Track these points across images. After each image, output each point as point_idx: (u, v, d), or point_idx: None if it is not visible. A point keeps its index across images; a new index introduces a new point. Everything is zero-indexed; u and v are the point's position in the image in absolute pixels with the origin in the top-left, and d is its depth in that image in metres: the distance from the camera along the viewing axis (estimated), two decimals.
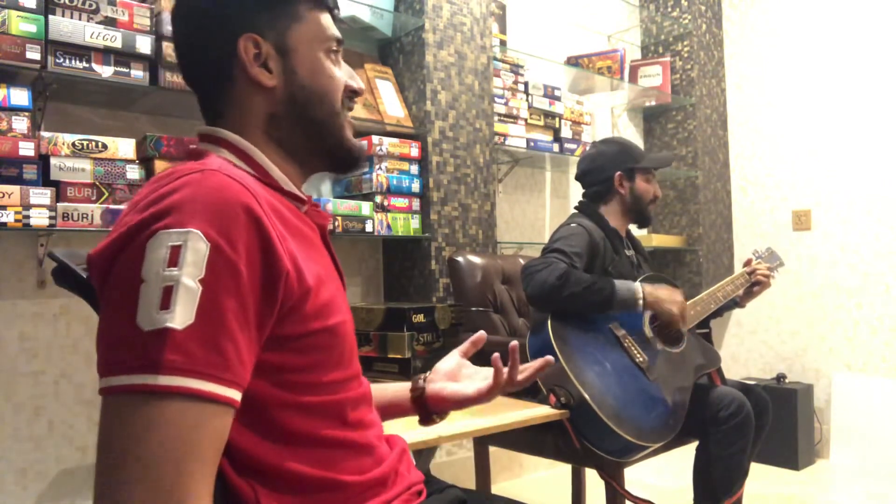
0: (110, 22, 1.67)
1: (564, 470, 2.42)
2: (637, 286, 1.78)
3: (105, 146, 1.67)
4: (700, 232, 3.30)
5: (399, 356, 1.74)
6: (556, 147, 2.76)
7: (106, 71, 1.67)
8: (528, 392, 1.71)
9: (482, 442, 2.08)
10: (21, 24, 1.54)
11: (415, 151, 2.28)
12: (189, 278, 0.62)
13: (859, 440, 2.97)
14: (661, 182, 3.05)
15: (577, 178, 2.14)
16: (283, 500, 0.73)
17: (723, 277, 2.27)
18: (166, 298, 0.61)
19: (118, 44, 1.67)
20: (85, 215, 1.63)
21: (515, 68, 2.65)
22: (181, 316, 0.61)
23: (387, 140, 2.22)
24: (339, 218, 2.09)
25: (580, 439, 1.69)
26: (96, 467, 0.61)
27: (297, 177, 0.86)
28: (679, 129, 3.41)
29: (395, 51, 2.43)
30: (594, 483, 2.03)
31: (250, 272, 0.66)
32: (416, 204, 2.29)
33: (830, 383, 3.12)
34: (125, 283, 0.63)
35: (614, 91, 3.27)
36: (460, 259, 2.16)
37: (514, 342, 0.98)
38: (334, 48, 0.86)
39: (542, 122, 2.71)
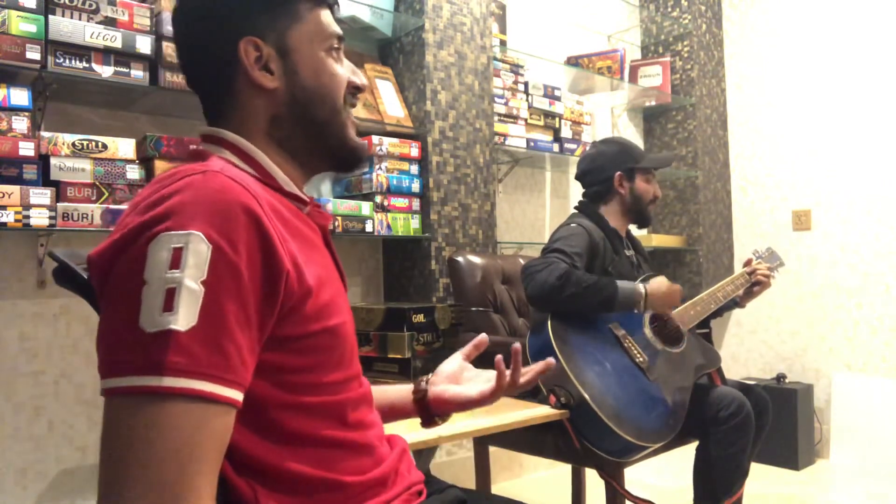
0: (110, 22, 1.67)
1: (564, 470, 2.42)
2: (640, 286, 1.78)
3: (105, 146, 1.67)
4: (700, 232, 3.30)
5: (399, 356, 1.74)
6: (556, 147, 2.76)
7: (106, 71, 1.67)
8: (529, 392, 1.71)
9: (482, 442, 2.08)
10: (21, 24, 1.54)
11: (415, 151, 2.28)
12: (191, 280, 0.62)
13: (859, 440, 2.97)
14: (661, 182, 3.05)
15: (577, 178, 2.14)
16: (283, 500, 0.73)
17: (723, 277, 2.27)
18: (169, 300, 0.61)
19: (118, 44, 1.67)
20: (85, 215, 1.63)
21: (515, 68, 2.65)
22: (184, 318, 0.61)
23: (387, 140, 2.22)
24: (339, 218, 2.09)
25: (580, 439, 1.69)
26: (100, 468, 0.61)
27: (299, 177, 0.86)
28: (679, 129, 3.41)
29: (395, 51, 2.43)
30: (594, 483, 2.03)
31: (251, 273, 0.66)
32: (416, 204, 2.29)
33: (830, 383, 3.12)
34: (127, 284, 0.63)
35: (614, 91, 3.27)
36: (460, 259, 2.16)
37: (517, 344, 0.98)
38: (335, 45, 0.86)
39: (542, 122, 2.71)
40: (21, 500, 1.76)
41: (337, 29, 0.87)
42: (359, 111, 2.18)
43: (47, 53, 1.59)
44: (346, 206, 2.11)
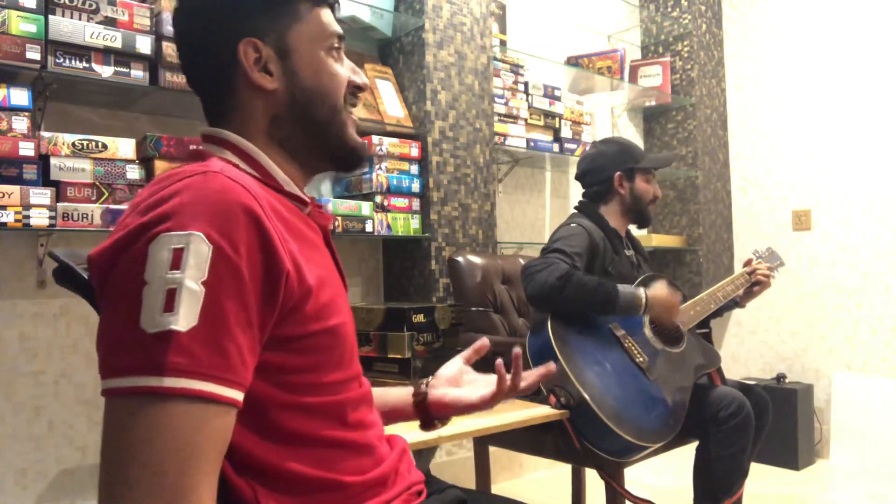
0: (110, 22, 1.67)
1: (564, 470, 2.42)
2: (640, 291, 1.78)
3: (105, 146, 1.67)
4: (700, 232, 3.30)
5: (399, 356, 1.74)
6: (556, 147, 2.76)
7: (106, 71, 1.67)
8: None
9: (482, 442, 2.08)
10: (21, 24, 1.54)
11: (415, 151, 2.28)
12: (192, 281, 0.62)
13: (859, 440, 2.97)
14: (661, 182, 3.05)
15: (577, 177, 2.14)
16: (283, 500, 0.73)
17: (723, 277, 2.27)
18: (170, 301, 0.61)
19: (118, 44, 1.67)
20: (85, 215, 1.63)
21: (515, 68, 2.65)
22: (185, 318, 0.61)
23: (387, 140, 2.22)
24: (339, 218, 2.09)
25: (580, 439, 1.69)
26: (100, 468, 0.61)
27: (300, 178, 0.86)
28: (679, 129, 3.41)
29: (395, 51, 2.43)
30: (594, 483, 2.03)
31: (251, 273, 0.66)
32: (416, 204, 2.29)
33: (830, 383, 3.12)
34: (128, 285, 0.63)
35: (614, 91, 3.27)
36: (460, 259, 2.16)
37: (517, 349, 0.98)
38: (336, 45, 0.86)
39: (542, 122, 2.71)
40: (21, 500, 1.76)
41: (337, 28, 0.86)
42: (359, 111, 2.18)
43: (47, 53, 1.59)
44: (346, 206, 2.11)
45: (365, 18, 2.28)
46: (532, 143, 2.67)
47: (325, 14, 0.86)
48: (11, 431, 1.76)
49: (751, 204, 3.48)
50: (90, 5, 1.65)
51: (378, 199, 2.19)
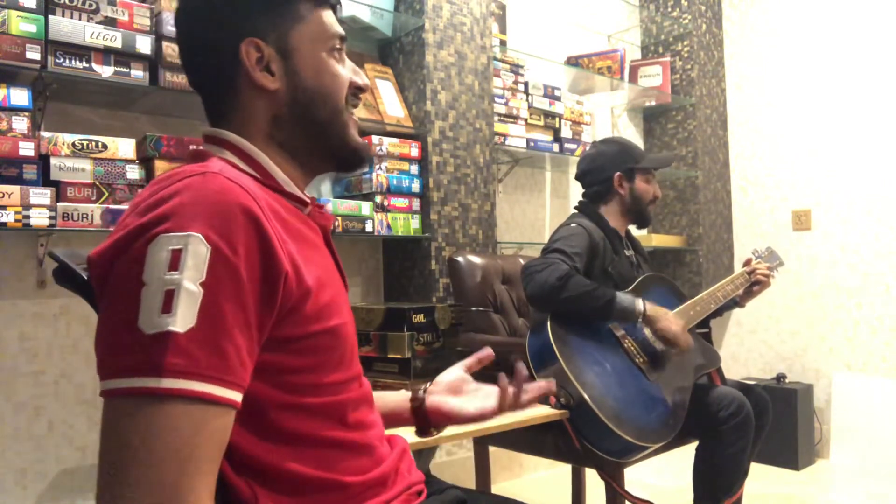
0: (110, 22, 1.67)
1: (564, 470, 2.42)
2: (638, 300, 1.77)
3: (105, 146, 1.67)
4: (700, 232, 3.30)
5: (399, 356, 1.74)
6: (556, 147, 2.76)
7: (106, 71, 1.67)
8: None
9: (482, 442, 2.08)
10: (21, 24, 1.54)
11: (415, 151, 2.28)
12: (190, 282, 0.62)
13: (859, 440, 2.97)
14: (661, 182, 3.05)
15: (577, 177, 2.14)
16: (282, 501, 0.73)
17: (723, 277, 2.27)
18: (168, 302, 0.62)
19: (118, 44, 1.67)
20: (85, 215, 1.63)
21: (515, 68, 2.65)
22: (183, 319, 0.61)
23: (387, 140, 2.22)
24: (339, 218, 2.09)
25: (580, 439, 1.69)
26: (98, 469, 0.61)
27: (301, 178, 0.86)
28: (679, 129, 3.41)
29: (395, 51, 2.43)
30: (594, 483, 2.03)
31: (250, 274, 0.66)
32: (416, 204, 2.29)
33: (830, 383, 3.12)
34: (126, 285, 0.64)
35: (614, 91, 3.27)
36: (460, 259, 2.16)
37: (521, 364, 0.98)
38: (337, 46, 0.86)
39: (542, 122, 2.71)
40: (21, 500, 1.76)
41: (339, 29, 0.87)
42: (359, 111, 2.18)
43: (47, 53, 1.59)
44: (346, 206, 2.11)
45: (365, 18, 2.28)
46: (532, 143, 2.67)
47: (327, 15, 0.86)
48: (11, 431, 1.76)
49: (751, 204, 3.48)
50: (90, 5, 1.65)
51: (378, 199, 2.19)
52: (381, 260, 2.48)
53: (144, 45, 1.71)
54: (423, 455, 1.54)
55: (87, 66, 1.64)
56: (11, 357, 1.77)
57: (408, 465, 0.91)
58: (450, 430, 1.39)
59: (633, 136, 3.50)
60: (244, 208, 0.67)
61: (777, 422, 2.55)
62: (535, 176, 3.04)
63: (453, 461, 2.61)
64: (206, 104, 0.85)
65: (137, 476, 0.59)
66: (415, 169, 2.30)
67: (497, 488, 2.60)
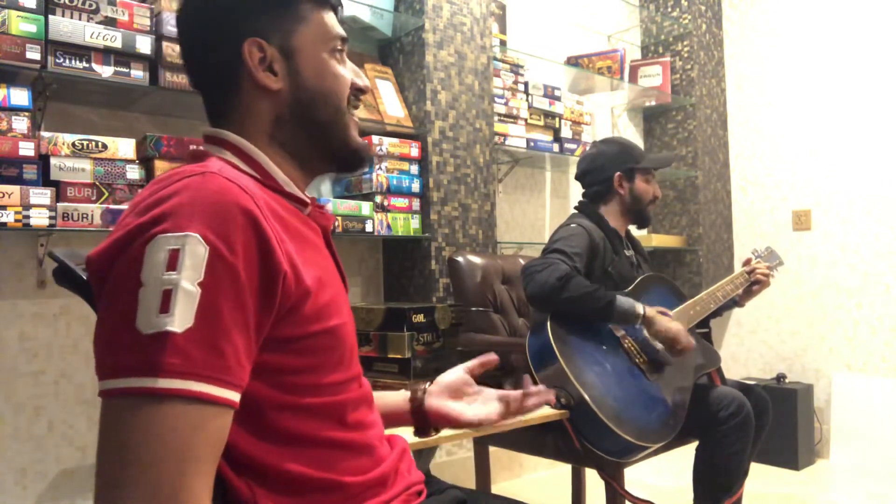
0: (110, 22, 1.67)
1: (564, 470, 2.42)
2: (639, 307, 1.76)
3: (105, 146, 1.67)
4: (700, 232, 3.30)
5: (399, 356, 1.74)
6: (556, 147, 2.76)
7: (106, 71, 1.67)
8: None
9: (482, 442, 2.08)
10: (21, 24, 1.54)
11: (415, 151, 2.28)
12: (188, 282, 0.62)
13: (859, 440, 2.97)
14: (661, 182, 3.05)
15: (577, 177, 2.14)
16: (281, 501, 0.73)
17: (723, 277, 2.27)
18: (166, 302, 0.62)
19: (118, 44, 1.67)
20: (85, 215, 1.63)
21: (515, 68, 2.65)
22: (180, 319, 0.61)
23: (387, 140, 2.22)
24: (339, 218, 2.09)
25: (580, 439, 1.69)
26: (96, 468, 0.61)
27: (301, 179, 0.86)
28: (679, 129, 3.41)
29: (395, 51, 2.43)
30: (594, 483, 2.03)
31: (248, 274, 0.66)
32: (416, 204, 2.29)
33: (830, 383, 3.12)
34: (124, 285, 0.64)
35: (614, 91, 3.27)
36: (460, 259, 2.16)
37: (526, 375, 1.00)
38: (339, 47, 0.86)
39: (542, 122, 2.71)
40: (21, 500, 1.76)
41: (341, 31, 0.87)
42: (359, 111, 2.17)
43: (47, 53, 1.59)
44: (346, 206, 2.11)
45: (365, 18, 2.28)
46: (532, 143, 2.67)
47: (329, 17, 0.86)
48: (11, 431, 1.76)
49: (751, 204, 3.48)
50: (90, 5, 1.65)
51: (378, 199, 2.19)
52: (381, 260, 2.48)
53: (144, 45, 1.71)
54: (423, 455, 1.54)
55: (87, 66, 1.64)
56: (11, 357, 1.77)
57: (408, 465, 0.91)
58: (450, 430, 1.39)
59: (633, 136, 3.50)
60: (243, 208, 0.67)
61: (777, 422, 2.55)
62: (535, 176, 3.04)
63: (453, 461, 2.61)
64: (208, 104, 0.86)
65: (135, 476, 0.59)
66: (415, 169, 2.30)
67: (497, 488, 2.60)
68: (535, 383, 1.71)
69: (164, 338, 0.61)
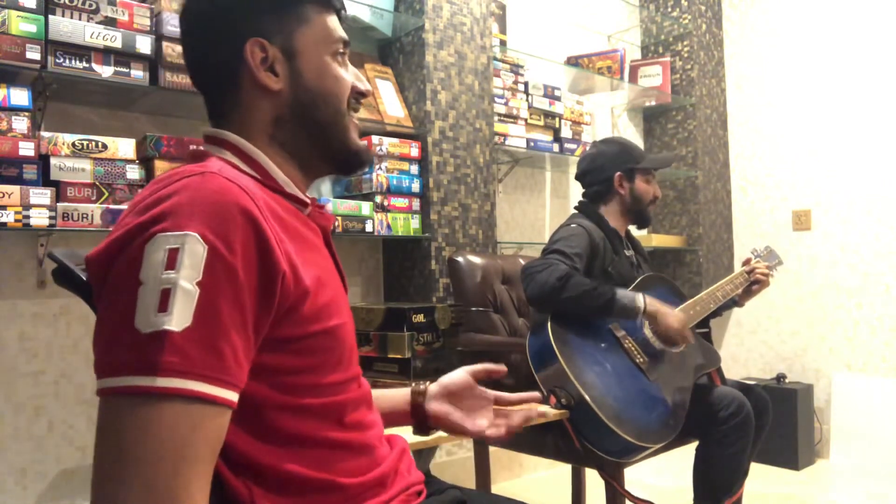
0: (110, 22, 1.67)
1: (564, 470, 2.42)
2: (638, 296, 1.77)
3: (105, 146, 1.67)
4: (700, 232, 3.30)
5: (399, 356, 1.74)
6: (556, 147, 2.76)
7: (106, 71, 1.67)
8: None
9: (482, 442, 2.08)
10: (21, 24, 1.54)
11: (415, 151, 2.28)
12: (186, 281, 0.62)
13: (859, 440, 2.97)
14: (661, 182, 3.05)
15: (577, 177, 2.14)
16: (280, 501, 0.73)
17: (722, 277, 2.27)
18: (164, 301, 0.62)
19: (118, 44, 1.67)
20: (85, 215, 1.63)
21: (515, 68, 2.65)
22: (179, 318, 0.61)
23: (387, 140, 2.22)
24: (339, 218, 2.09)
25: (580, 439, 1.69)
26: (93, 467, 0.61)
27: (301, 179, 0.86)
28: (679, 129, 3.40)
29: (395, 51, 2.43)
30: (594, 483, 2.03)
31: (247, 274, 0.66)
32: (416, 204, 2.29)
33: (830, 383, 3.12)
34: (123, 285, 0.64)
35: (614, 91, 3.27)
36: (460, 259, 2.16)
37: (536, 394, 1.04)
38: (341, 50, 0.86)
39: (542, 122, 2.71)
40: (21, 500, 1.76)
41: (343, 34, 0.87)
42: (359, 111, 2.18)
43: (47, 53, 1.59)
44: (346, 206, 2.11)
45: (365, 18, 2.28)
46: (532, 143, 2.67)
47: (332, 19, 0.86)
48: (11, 431, 1.76)
49: (751, 204, 3.48)
50: (90, 5, 1.65)
51: (378, 199, 2.19)
52: (381, 260, 2.48)
53: (144, 45, 1.71)
54: (423, 455, 1.54)
55: (87, 66, 1.64)
56: (11, 357, 1.77)
57: (407, 465, 0.91)
58: None
59: (633, 136, 3.50)
60: (242, 208, 0.67)
61: (777, 422, 2.55)
62: (535, 176, 3.04)
63: (453, 461, 2.61)
64: (209, 104, 0.86)
65: (132, 475, 0.59)
66: (415, 169, 2.30)
67: (497, 488, 2.60)
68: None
69: (163, 337, 0.61)
